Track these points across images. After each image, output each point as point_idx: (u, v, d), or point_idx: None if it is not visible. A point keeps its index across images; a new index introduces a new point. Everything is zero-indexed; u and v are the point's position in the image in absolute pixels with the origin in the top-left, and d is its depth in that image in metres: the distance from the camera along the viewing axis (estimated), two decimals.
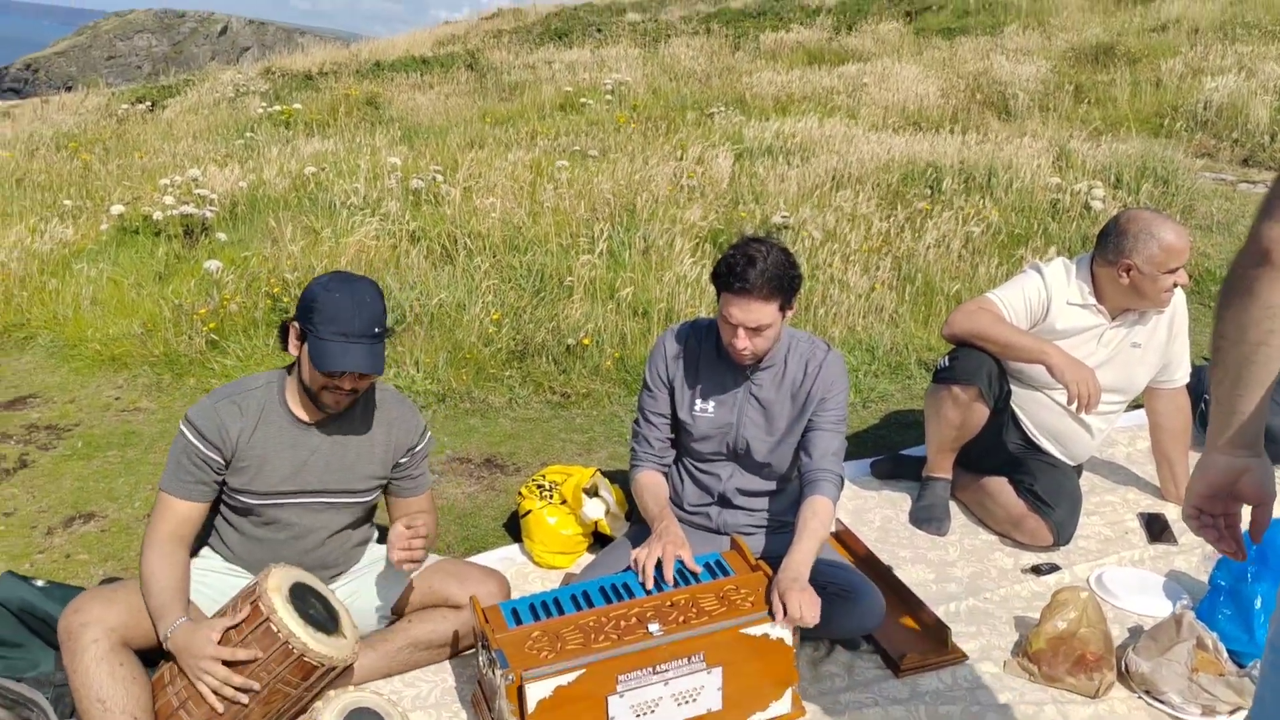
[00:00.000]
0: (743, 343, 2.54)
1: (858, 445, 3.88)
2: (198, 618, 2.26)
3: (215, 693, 2.11)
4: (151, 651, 2.22)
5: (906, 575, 2.98)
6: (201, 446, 2.30)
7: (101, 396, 4.36)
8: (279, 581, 2.22)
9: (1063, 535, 3.07)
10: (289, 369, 2.42)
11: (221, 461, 2.33)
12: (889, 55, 12.48)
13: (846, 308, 4.67)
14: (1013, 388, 3.19)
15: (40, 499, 3.52)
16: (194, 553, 2.44)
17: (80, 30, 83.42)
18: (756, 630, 2.32)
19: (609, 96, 10.73)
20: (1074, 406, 2.88)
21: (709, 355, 2.74)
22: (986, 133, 8.41)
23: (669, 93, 10.95)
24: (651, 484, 2.74)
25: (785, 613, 2.28)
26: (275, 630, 2.12)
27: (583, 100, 10.59)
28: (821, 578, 2.55)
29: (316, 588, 2.35)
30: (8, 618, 2.48)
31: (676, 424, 2.80)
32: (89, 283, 5.14)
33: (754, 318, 2.49)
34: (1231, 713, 2.41)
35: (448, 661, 2.63)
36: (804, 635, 2.63)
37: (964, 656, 2.62)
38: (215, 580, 2.43)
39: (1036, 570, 3.02)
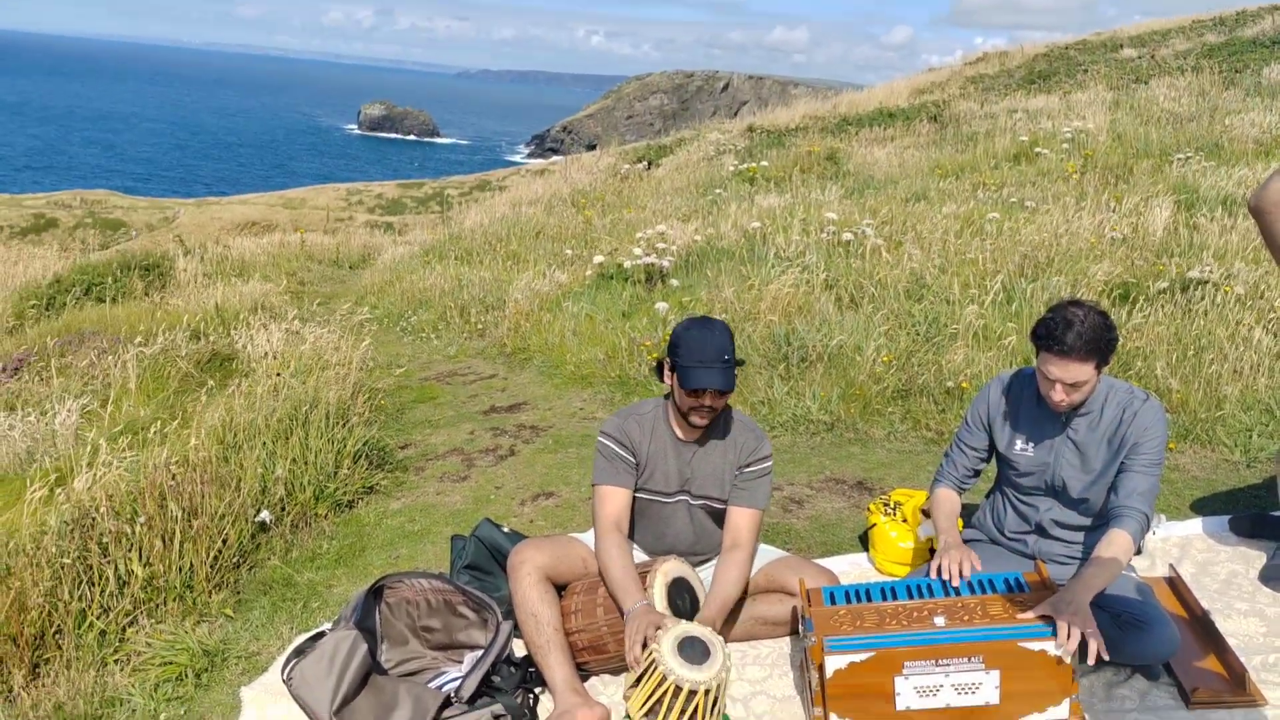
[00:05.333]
0: (1059, 396, 2.87)
1: (1231, 504, 3.86)
2: (597, 568, 3.14)
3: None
4: (561, 586, 3.10)
5: (1234, 625, 3.06)
6: (617, 448, 3.15)
7: (571, 406, 5.57)
8: (668, 569, 2.99)
9: None
10: (666, 397, 3.21)
11: (633, 460, 3.15)
12: None
13: (1251, 365, 4.54)
14: None
15: (520, 479, 4.69)
16: None
17: (607, 95, 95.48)
18: (1035, 645, 2.64)
19: (1066, 145, 10.59)
20: None
21: (1029, 401, 3.08)
22: None
23: (1133, 140, 10.54)
24: (948, 500, 3.15)
25: (1069, 637, 2.56)
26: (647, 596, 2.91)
27: (1037, 150, 10.57)
28: (1115, 606, 2.82)
29: (690, 581, 3.09)
30: (483, 552, 3.55)
31: (1000, 459, 3.17)
32: (572, 318, 6.50)
33: (1071, 376, 2.81)
34: None
35: (786, 638, 3.24)
36: (1103, 659, 2.88)
37: (1264, 701, 2.70)
38: None
39: None
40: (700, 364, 2.96)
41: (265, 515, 4.02)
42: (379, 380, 5.95)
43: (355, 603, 2.99)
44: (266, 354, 5.86)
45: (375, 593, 3.09)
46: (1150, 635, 2.77)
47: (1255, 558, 3.44)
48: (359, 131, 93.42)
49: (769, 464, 3.19)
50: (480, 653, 2.96)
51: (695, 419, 3.06)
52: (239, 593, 3.69)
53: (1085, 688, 2.83)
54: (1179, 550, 3.56)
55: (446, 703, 2.75)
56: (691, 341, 2.99)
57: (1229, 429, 4.35)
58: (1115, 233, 6.30)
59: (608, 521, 3.09)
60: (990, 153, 11.13)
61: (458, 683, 2.87)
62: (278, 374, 5.14)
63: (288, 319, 6.70)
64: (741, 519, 3.13)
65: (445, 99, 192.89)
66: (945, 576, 2.87)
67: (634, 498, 3.21)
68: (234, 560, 3.80)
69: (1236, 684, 2.75)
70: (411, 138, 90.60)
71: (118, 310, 8.05)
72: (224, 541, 3.77)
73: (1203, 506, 3.89)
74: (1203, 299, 5.07)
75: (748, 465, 3.15)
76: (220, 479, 4.00)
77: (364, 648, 2.80)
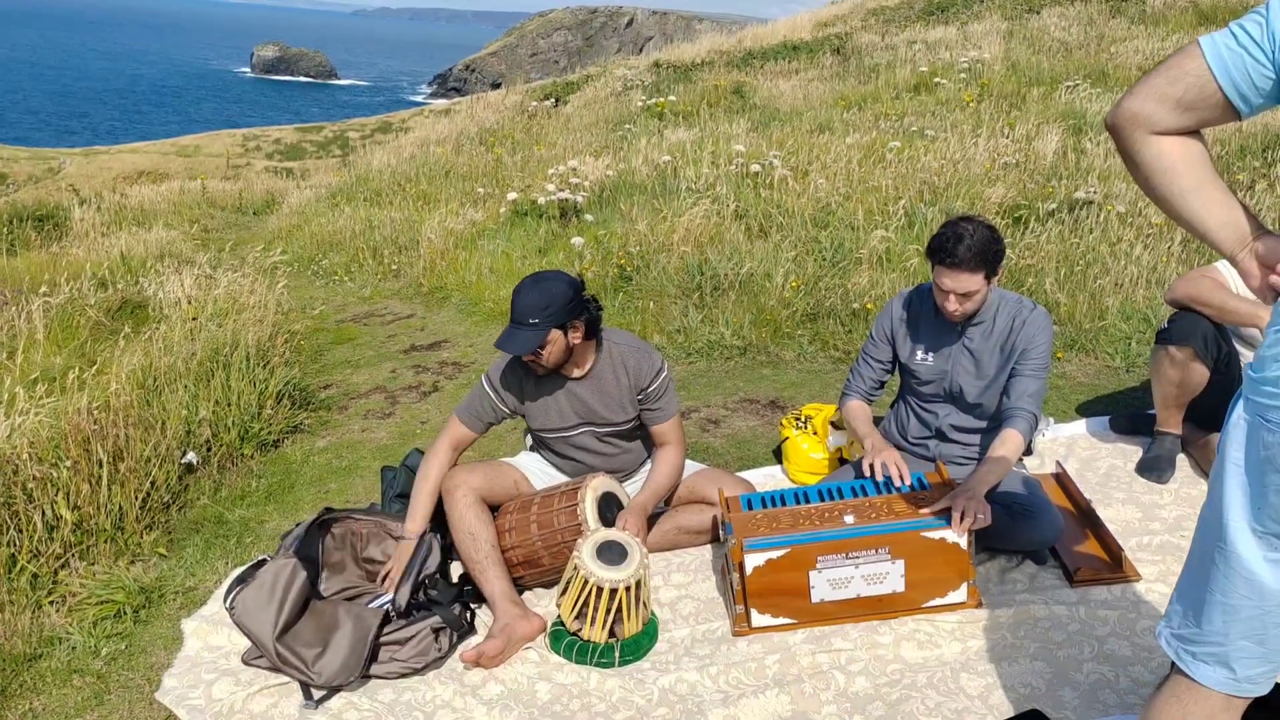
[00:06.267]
0: (952, 306, 3.08)
1: (1113, 406, 4.17)
2: (527, 489, 3.28)
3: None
4: (494, 507, 3.24)
5: (1113, 513, 3.35)
6: (490, 393, 3.24)
7: (491, 342, 5.64)
8: (597, 484, 3.15)
9: None
10: None
11: (503, 408, 3.26)
12: None
13: (1131, 278, 4.86)
14: (1240, 350, 3.40)
15: (445, 413, 4.77)
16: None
17: (509, 31, 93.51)
18: (935, 534, 2.87)
19: (963, 75, 10.88)
20: None
21: (928, 314, 3.29)
22: None
23: (1026, 68, 10.88)
24: (860, 409, 3.37)
25: (961, 519, 2.81)
26: (577, 512, 3.06)
27: (936, 80, 10.83)
28: (1006, 498, 3.07)
29: (618, 495, 3.25)
30: (414, 480, 3.65)
31: (902, 369, 3.38)
32: (488, 255, 6.55)
33: (962, 286, 3.02)
34: None
35: (708, 545, 3.43)
36: (994, 547, 3.15)
37: (1138, 577, 2.99)
38: (547, 479, 3.40)
39: None
40: (510, 325, 3.05)
41: (191, 456, 4.05)
42: (295, 323, 5.95)
43: (298, 533, 3.09)
44: (180, 300, 5.80)
45: (320, 525, 3.19)
46: (1037, 522, 3.04)
47: (1133, 452, 3.74)
48: (252, 74, 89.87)
49: (665, 375, 3.25)
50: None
51: (535, 370, 3.17)
52: (171, 533, 3.74)
53: (981, 573, 3.09)
54: (1065, 449, 3.85)
55: (386, 619, 2.88)
56: (512, 300, 3.07)
57: (1110, 338, 4.67)
58: (1008, 158, 6.58)
59: (444, 444, 3.26)
60: (891, 84, 11.36)
61: (392, 597, 2.99)
62: (193, 319, 5.11)
63: (199, 264, 6.62)
64: (663, 429, 3.29)
65: (342, 39, 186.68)
66: (881, 476, 3.04)
67: (539, 436, 3.35)
68: (164, 501, 3.84)
69: (1114, 563, 3.04)
70: (308, 80, 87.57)
71: (16, 262, 7.81)
72: (152, 483, 3.80)
73: (1087, 409, 4.20)
74: (1088, 218, 5.37)
75: (646, 388, 3.23)
76: (144, 422, 4.01)
77: (303, 575, 2.89)
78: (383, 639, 2.85)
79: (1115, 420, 3.94)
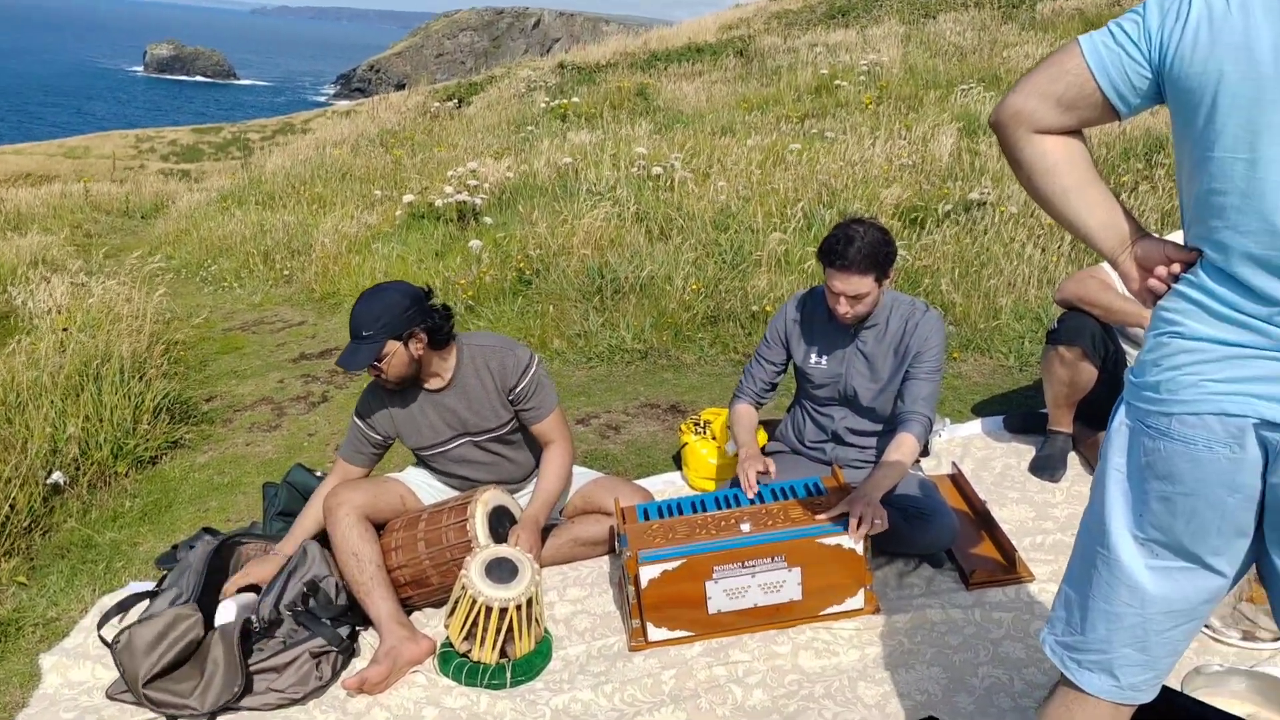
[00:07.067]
0: (843, 308, 3.05)
1: (1007, 405, 4.21)
2: (415, 505, 3.15)
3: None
4: (379, 525, 3.10)
5: (1008, 513, 3.36)
6: (363, 427, 3.13)
7: None
8: (487, 498, 3.03)
9: None
10: None
11: (378, 437, 3.14)
12: None
13: (1023, 278, 4.93)
14: (1126, 349, 3.45)
15: (334, 425, 4.60)
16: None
17: (415, 32, 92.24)
18: (831, 540, 2.83)
19: (862, 78, 11.03)
20: None
21: (822, 317, 3.26)
22: None
23: (923, 72, 11.08)
24: (746, 414, 3.33)
25: (859, 525, 2.77)
26: (467, 528, 2.94)
27: (837, 83, 10.96)
28: (902, 501, 3.05)
29: (509, 508, 3.13)
30: (297, 497, 3.49)
31: (798, 372, 3.35)
32: (383, 259, 6.36)
33: (852, 288, 2.99)
34: (1275, 639, 2.65)
35: (605, 557, 3.34)
36: (891, 551, 3.13)
37: (1031, 578, 3.00)
38: (435, 494, 3.27)
39: None
40: (350, 342, 2.95)
41: (58, 476, 3.81)
42: (178, 332, 5.68)
43: (197, 569, 2.90)
44: (50, 309, 5.48)
45: (216, 551, 3.03)
46: (934, 526, 3.02)
47: (1026, 451, 3.77)
48: (145, 74, 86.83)
49: (534, 371, 3.13)
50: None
51: (386, 386, 3.06)
52: (33, 559, 3.50)
53: (879, 578, 3.06)
54: (961, 449, 3.87)
55: (247, 630, 2.71)
56: (350, 315, 2.99)
57: (1004, 337, 4.73)
58: (905, 159, 6.65)
59: (331, 483, 3.15)
60: (793, 86, 11.47)
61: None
62: (64, 329, 4.83)
63: (71, 271, 6.28)
64: (543, 428, 3.18)
65: (241, 38, 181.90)
66: (743, 485, 3.03)
67: (418, 455, 3.24)
68: (25, 525, 3.59)
69: (1009, 565, 3.04)
70: (205, 79, 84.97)
71: None
72: (12, 506, 3.55)
73: (982, 409, 4.23)
74: (982, 219, 5.45)
75: (515, 387, 3.10)
76: (3, 441, 3.75)
77: (199, 631, 2.70)
78: (259, 666, 2.69)
79: (1009, 420, 3.98)
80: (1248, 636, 2.67)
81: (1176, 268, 1.53)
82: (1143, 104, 1.53)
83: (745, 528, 2.86)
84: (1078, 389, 3.46)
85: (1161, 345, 1.52)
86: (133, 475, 4.11)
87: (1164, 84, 1.46)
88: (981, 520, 3.28)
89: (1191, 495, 1.48)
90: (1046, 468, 3.59)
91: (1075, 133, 1.59)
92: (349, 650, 2.87)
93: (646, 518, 3.00)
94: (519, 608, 2.75)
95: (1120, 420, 1.61)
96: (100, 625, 2.94)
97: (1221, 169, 1.40)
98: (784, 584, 2.86)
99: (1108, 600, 1.61)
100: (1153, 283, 1.56)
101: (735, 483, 3.26)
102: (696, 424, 3.81)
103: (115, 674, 2.73)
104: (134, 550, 3.57)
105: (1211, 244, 1.45)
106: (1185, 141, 1.46)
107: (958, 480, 3.56)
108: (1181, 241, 1.55)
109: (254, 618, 2.78)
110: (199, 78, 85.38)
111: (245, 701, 2.65)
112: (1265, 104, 1.34)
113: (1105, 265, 3.42)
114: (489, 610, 2.72)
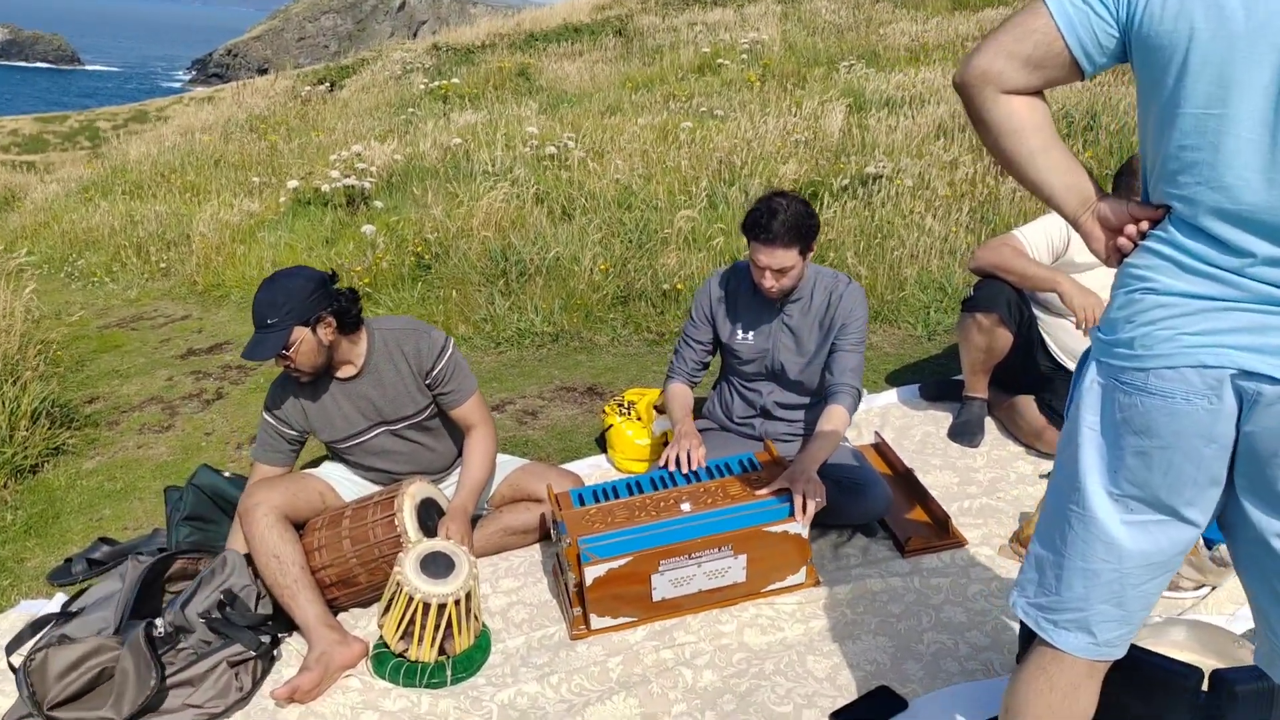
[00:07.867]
0: (769, 282, 3.03)
1: (919, 373, 4.29)
2: (335, 502, 2.99)
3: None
4: (299, 525, 2.94)
5: (933, 479, 3.41)
6: (275, 424, 2.98)
7: None
8: (414, 490, 2.90)
9: None
10: None
11: (293, 432, 3.00)
12: None
13: (925, 249, 5.03)
14: (1039, 314, 3.54)
15: (232, 422, 4.37)
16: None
17: (274, 15, 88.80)
18: (777, 529, 2.80)
19: (744, 56, 11.09)
20: (1080, 330, 3.23)
21: (746, 292, 3.23)
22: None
23: (804, 49, 11.22)
24: (680, 393, 3.29)
25: (804, 510, 2.73)
26: (395, 523, 2.81)
27: (719, 61, 10.99)
28: (836, 473, 3.05)
29: (437, 500, 3.01)
30: (204, 500, 3.28)
31: (724, 349, 3.31)
32: (270, 248, 6.07)
33: (778, 262, 2.97)
34: (1196, 588, 2.76)
35: (536, 545, 3.26)
36: (826, 523, 3.14)
37: (964, 542, 3.05)
38: (355, 489, 3.12)
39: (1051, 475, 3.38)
40: (255, 332, 2.81)
41: None
42: (49, 331, 5.30)
43: (125, 603, 2.68)
44: None
45: (150, 568, 2.81)
46: (868, 495, 3.04)
47: (944, 418, 3.84)
48: None
49: (450, 353, 3.03)
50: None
51: (297, 378, 2.93)
52: None
53: (816, 551, 3.06)
54: (880, 419, 3.92)
55: (150, 634, 2.53)
56: (252, 305, 2.84)
57: (910, 308, 4.81)
58: (798, 135, 6.70)
59: (254, 483, 2.98)
60: (676, 65, 11.46)
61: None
62: None
63: None
64: (463, 411, 3.07)
65: (84, 20, 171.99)
66: (673, 466, 2.98)
67: (334, 449, 3.09)
68: None
69: (941, 530, 3.08)
70: (46, 65, 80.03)
71: None
72: None
73: (895, 378, 4.29)
74: (880, 192, 5.52)
75: (431, 370, 3.00)
76: None
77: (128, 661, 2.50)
78: (173, 680, 2.51)
79: (924, 388, 4.05)
80: (1172, 587, 2.77)
81: (1145, 225, 1.54)
82: (1107, 63, 1.53)
83: (686, 507, 2.81)
84: (994, 354, 3.53)
85: (1133, 301, 1.53)
86: (12, 486, 3.82)
87: (1130, 42, 1.46)
88: (910, 487, 3.32)
89: (1169, 448, 1.50)
90: (965, 433, 3.66)
91: (1038, 94, 1.59)
92: (269, 656, 2.71)
93: (582, 503, 2.93)
94: (458, 602, 2.64)
95: (1091, 378, 1.61)
96: (9, 651, 2.71)
97: (1193, 125, 1.41)
98: (729, 570, 2.82)
99: (1084, 558, 1.63)
100: (1121, 241, 1.57)
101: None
102: (621, 405, 3.74)
103: (11, 700, 2.52)
104: (21, 567, 3.32)
105: (1180, 199, 1.46)
106: (1153, 99, 1.46)
107: (882, 449, 3.60)
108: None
109: (158, 622, 2.59)
110: (40, 64, 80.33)
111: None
112: (1236, 60, 1.35)
113: (1018, 233, 3.48)
114: (427, 606, 2.61)
